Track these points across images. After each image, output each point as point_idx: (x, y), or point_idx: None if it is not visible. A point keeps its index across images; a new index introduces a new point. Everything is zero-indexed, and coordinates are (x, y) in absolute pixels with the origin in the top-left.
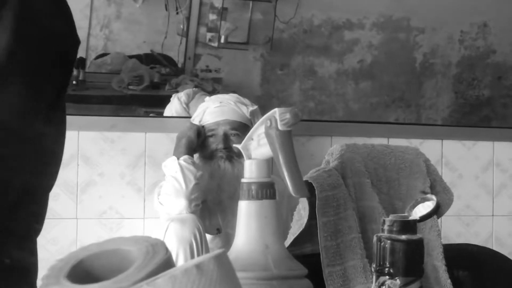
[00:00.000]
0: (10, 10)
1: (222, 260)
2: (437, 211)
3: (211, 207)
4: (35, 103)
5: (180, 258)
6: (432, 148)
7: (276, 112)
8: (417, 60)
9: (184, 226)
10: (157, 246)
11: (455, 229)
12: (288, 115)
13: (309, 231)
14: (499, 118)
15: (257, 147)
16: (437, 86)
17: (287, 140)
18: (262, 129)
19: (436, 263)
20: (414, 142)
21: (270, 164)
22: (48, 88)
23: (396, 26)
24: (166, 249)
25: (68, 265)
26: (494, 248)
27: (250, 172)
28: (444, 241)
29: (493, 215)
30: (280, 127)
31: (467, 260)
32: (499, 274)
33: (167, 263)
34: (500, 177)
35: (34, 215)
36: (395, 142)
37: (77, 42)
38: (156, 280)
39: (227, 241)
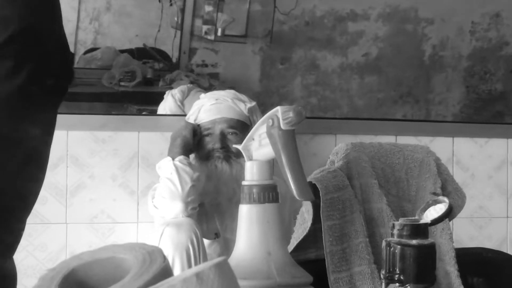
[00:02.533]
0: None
1: (223, 269)
2: (449, 214)
3: (209, 210)
4: (22, 106)
5: (176, 265)
6: (442, 146)
7: (278, 110)
8: (426, 53)
9: (180, 230)
10: (154, 254)
11: (467, 231)
12: (291, 114)
13: (313, 235)
14: None
15: (259, 148)
16: (447, 80)
17: (290, 140)
18: (263, 129)
19: (448, 268)
20: (424, 140)
21: (272, 165)
22: (35, 90)
23: (403, 17)
24: (164, 257)
25: (59, 274)
26: (509, 252)
27: (252, 174)
28: (456, 245)
29: (507, 217)
30: (282, 127)
31: (482, 266)
32: None
33: (165, 272)
34: None
35: (22, 222)
36: (403, 140)
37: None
38: None
39: (226, 247)
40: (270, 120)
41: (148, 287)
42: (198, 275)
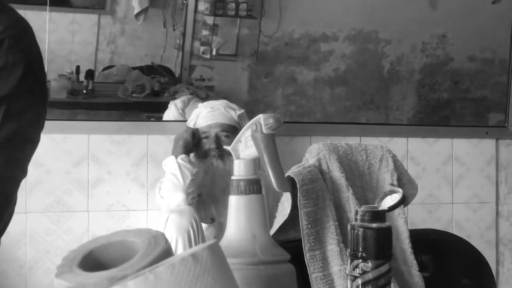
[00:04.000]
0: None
1: (214, 249)
2: (403, 203)
3: (206, 200)
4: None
5: (179, 245)
6: (398, 145)
7: (260, 117)
8: (385, 68)
9: (183, 216)
10: (158, 238)
11: (420, 215)
12: (271, 120)
13: (292, 220)
14: (457, 118)
15: (245, 149)
16: (402, 90)
17: (271, 142)
18: (248, 133)
19: (403, 246)
20: (383, 140)
21: (256, 163)
22: (43, 108)
23: (366, 38)
24: (166, 240)
25: (79, 255)
26: (454, 232)
27: (239, 170)
28: (410, 227)
29: (452, 203)
30: (264, 131)
31: (429, 244)
32: (458, 255)
33: (167, 253)
34: (458, 169)
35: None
36: (366, 140)
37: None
38: (157, 268)
39: (220, 230)
40: (254, 126)
41: (153, 265)
42: (193, 255)
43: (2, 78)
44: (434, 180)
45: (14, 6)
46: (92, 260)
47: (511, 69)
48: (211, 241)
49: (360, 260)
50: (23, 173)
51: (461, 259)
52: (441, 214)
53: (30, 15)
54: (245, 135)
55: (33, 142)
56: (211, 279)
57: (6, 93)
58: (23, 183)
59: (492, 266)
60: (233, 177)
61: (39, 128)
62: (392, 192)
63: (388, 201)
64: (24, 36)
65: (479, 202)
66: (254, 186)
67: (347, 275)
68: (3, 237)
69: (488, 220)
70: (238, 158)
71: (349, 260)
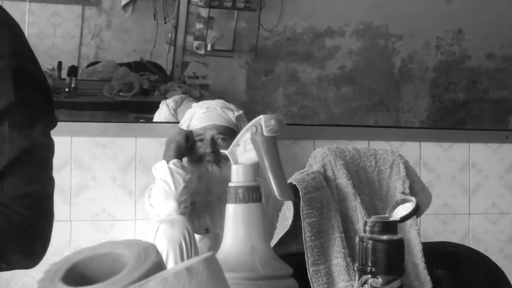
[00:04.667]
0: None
1: (211, 263)
2: (416, 213)
3: (200, 208)
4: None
5: (170, 258)
6: (410, 150)
7: (261, 118)
8: (396, 66)
9: (174, 227)
10: (149, 249)
11: (433, 227)
12: (273, 122)
13: (294, 231)
14: (474, 121)
15: (243, 153)
16: (415, 90)
17: (272, 145)
18: (248, 135)
19: (416, 260)
20: (394, 144)
21: (256, 168)
22: (49, 108)
23: (375, 33)
24: (157, 252)
25: (62, 268)
26: (471, 245)
27: (237, 176)
28: (423, 239)
29: (469, 214)
30: (265, 133)
31: (444, 258)
32: (475, 270)
33: (158, 266)
34: (475, 177)
35: (31, 220)
36: (375, 144)
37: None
38: (148, 283)
39: (215, 241)
40: (254, 128)
41: (143, 279)
42: (188, 269)
43: None
44: (449, 188)
45: None
46: (77, 274)
47: None
48: (208, 254)
49: (369, 276)
50: (51, 180)
51: (478, 275)
52: (456, 226)
53: (7, 5)
54: (244, 137)
55: (50, 148)
56: None
57: (5, 104)
58: None
59: None
60: (230, 184)
61: (50, 130)
62: (404, 201)
63: (400, 211)
64: (10, 29)
65: (498, 212)
66: (253, 193)
67: None
68: None
69: (508, 233)
70: (236, 163)
71: (357, 276)
